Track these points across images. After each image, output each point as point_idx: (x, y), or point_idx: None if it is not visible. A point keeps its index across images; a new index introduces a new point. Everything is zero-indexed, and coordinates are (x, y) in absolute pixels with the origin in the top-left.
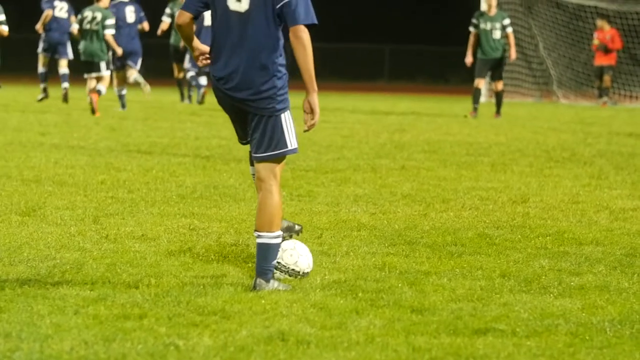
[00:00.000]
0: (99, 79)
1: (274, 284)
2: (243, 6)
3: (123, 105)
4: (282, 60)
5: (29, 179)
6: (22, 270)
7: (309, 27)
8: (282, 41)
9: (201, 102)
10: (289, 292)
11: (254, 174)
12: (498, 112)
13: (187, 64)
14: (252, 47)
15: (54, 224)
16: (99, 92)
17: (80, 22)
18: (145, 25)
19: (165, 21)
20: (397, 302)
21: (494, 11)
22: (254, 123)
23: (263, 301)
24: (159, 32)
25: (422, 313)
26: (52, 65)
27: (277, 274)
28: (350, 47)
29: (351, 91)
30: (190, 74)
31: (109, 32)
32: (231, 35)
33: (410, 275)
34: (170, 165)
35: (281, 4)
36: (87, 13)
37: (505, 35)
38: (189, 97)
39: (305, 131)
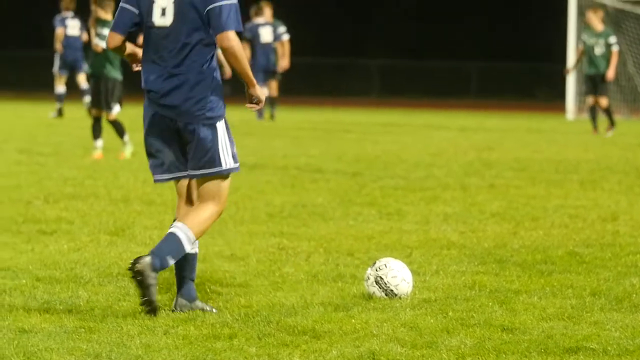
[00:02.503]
0: None
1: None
2: (167, 20)
3: None
4: (213, 66)
5: (117, 198)
6: (112, 290)
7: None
8: (213, 49)
9: (270, 117)
10: (378, 311)
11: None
12: (610, 126)
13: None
14: (182, 58)
15: (143, 244)
16: None
17: None
18: (85, 37)
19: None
20: (488, 321)
21: (600, 27)
22: (187, 135)
23: (353, 320)
24: None
25: (512, 332)
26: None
27: (374, 287)
28: (438, 64)
29: (439, 108)
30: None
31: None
32: (159, 48)
33: (501, 293)
34: (259, 184)
35: (207, 9)
36: None
37: (609, 53)
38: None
39: (253, 109)
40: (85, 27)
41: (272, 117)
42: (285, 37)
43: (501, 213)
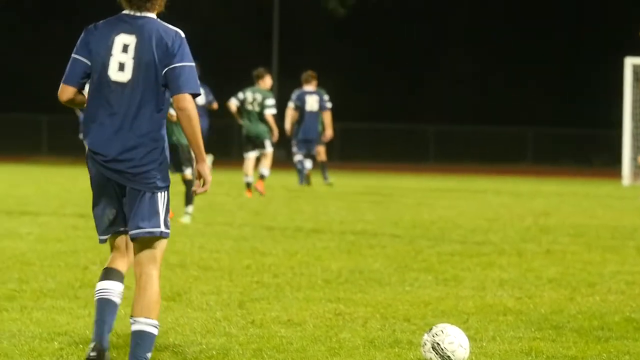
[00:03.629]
0: (262, 157)
1: None
2: (126, 75)
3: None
4: (163, 133)
5: (174, 263)
6: (169, 356)
7: (194, 95)
8: (165, 114)
9: (308, 183)
10: None
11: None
12: None
13: (294, 147)
14: (135, 119)
15: (200, 309)
16: (262, 177)
17: (242, 103)
18: (215, 105)
19: (290, 106)
20: None
21: None
22: (130, 199)
23: None
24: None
25: None
26: None
27: (431, 354)
28: (494, 130)
29: (495, 174)
30: (297, 158)
31: (269, 112)
32: (111, 105)
33: None
34: (315, 250)
35: (165, 70)
36: (248, 94)
37: None
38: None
39: (196, 194)
40: (210, 91)
41: (325, 180)
42: (329, 106)
43: (557, 279)
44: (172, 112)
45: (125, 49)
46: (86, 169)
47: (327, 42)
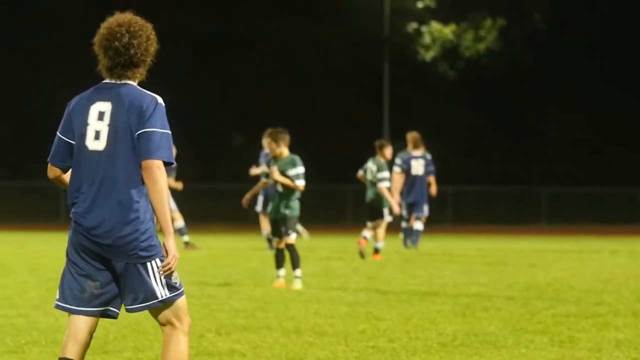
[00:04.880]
0: (376, 227)
1: None
2: (101, 144)
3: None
4: (145, 199)
5: (289, 329)
6: None
7: (165, 162)
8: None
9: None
10: None
11: None
12: None
13: (403, 211)
14: (113, 188)
15: None
16: (376, 251)
17: (365, 172)
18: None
19: (396, 171)
20: None
21: None
22: (119, 272)
23: None
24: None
25: None
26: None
27: None
28: (607, 191)
29: (609, 234)
30: (404, 225)
31: (382, 185)
32: (91, 175)
33: None
34: (430, 313)
35: (137, 133)
36: (369, 164)
37: None
38: (405, 242)
39: (162, 273)
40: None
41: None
42: (433, 170)
43: None
44: (264, 179)
45: (100, 116)
46: (200, 235)
47: (437, 105)
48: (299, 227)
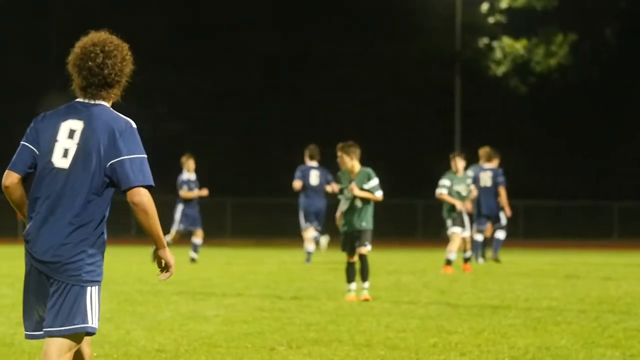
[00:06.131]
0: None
1: None
2: (67, 161)
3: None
4: (101, 226)
5: (360, 343)
6: None
7: (148, 187)
8: (104, 205)
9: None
10: None
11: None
12: None
13: (474, 223)
14: (68, 207)
15: None
16: (449, 262)
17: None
18: (329, 188)
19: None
20: None
21: None
22: (53, 290)
23: None
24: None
25: None
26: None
27: None
28: None
29: None
30: (479, 238)
31: (437, 191)
32: (48, 191)
33: None
34: (501, 327)
35: (112, 162)
36: (444, 180)
37: None
38: (483, 256)
39: (162, 279)
40: (327, 174)
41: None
42: (503, 182)
43: None
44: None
45: (71, 134)
46: (271, 249)
47: (508, 120)
48: (322, 239)
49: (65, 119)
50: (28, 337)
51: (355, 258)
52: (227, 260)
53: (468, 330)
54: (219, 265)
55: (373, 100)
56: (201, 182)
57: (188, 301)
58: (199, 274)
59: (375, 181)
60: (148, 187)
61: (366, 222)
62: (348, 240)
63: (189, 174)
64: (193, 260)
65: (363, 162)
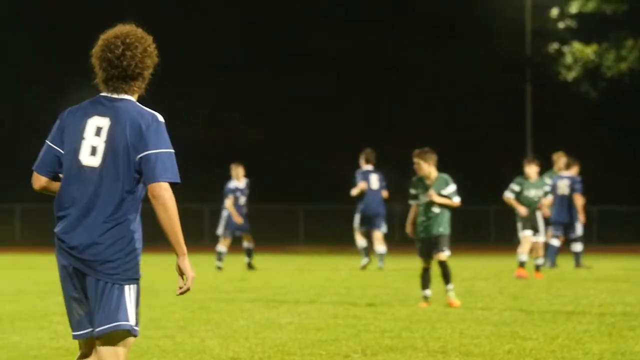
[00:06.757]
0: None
1: None
2: (97, 160)
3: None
4: (136, 224)
5: (435, 350)
6: None
7: (172, 185)
8: (137, 202)
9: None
10: None
11: None
12: None
13: (551, 229)
14: (103, 206)
15: None
16: (521, 264)
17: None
18: (384, 194)
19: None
20: None
21: None
22: (94, 290)
23: None
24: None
25: None
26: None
27: None
28: None
29: None
30: (556, 243)
31: (504, 194)
32: (81, 191)
33: None
34: (576, 333)
35: (140, 156)
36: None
37: None
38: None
39: (178, 294)
40: (384, 180)
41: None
42: (579, 189)
43: None
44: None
45: (98, 132)
46: (343, 256)
47: (579, 125)
48: (364, 260)
49: (91, 116)
50: (75, 337)
51: (431, 264)
52: (300, 267)
53: (542, 336)
54: (292, 272)
55: (443, 105)
56: (273, 189)
57: (262, 309)
58: (272, 282)
59: (453, 187)
60: (173, 184)
61: (443, 227)
62: (425, 247)
63: (237, 182)
64: (219, 269)
65: (443, 169)
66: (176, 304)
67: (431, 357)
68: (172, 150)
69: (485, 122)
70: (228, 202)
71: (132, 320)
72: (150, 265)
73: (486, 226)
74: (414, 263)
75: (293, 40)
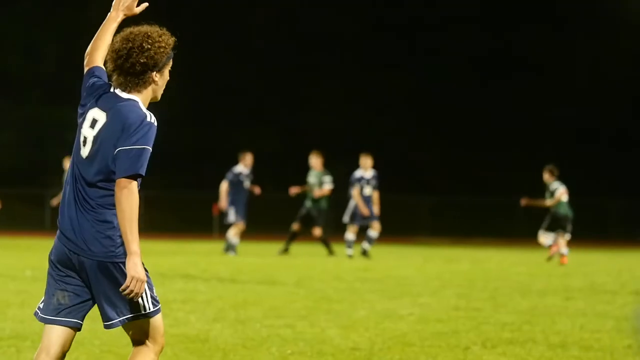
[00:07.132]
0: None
1: None
2: (87, 150)
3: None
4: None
5: (554, 343)
6: None
7: (134, 177)
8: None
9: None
10: None
11: None
12: None
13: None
14: (88, 194)
15: None
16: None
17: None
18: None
19: None
20: None
21: None
22: (93, 275)
23: None
24: None
25: None
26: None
27: None
28: None
29: None
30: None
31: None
32: (72, 179)
33: None
34: None
35: (117, 150)
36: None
37: None
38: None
39: (124, 295)
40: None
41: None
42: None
43: None
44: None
45: (93, 124)
46: (466, 249)
47: None
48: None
49: (94, 107)
50: (41, 319)
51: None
52: (423, 259)
53: None
54: (415, 264)
55: (574, 100)
56: (397, 181)
57: (383, 299)
58: (394, 272)
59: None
60: (136, 177)
61: None
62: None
63: (364, 171)
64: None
65: (562, 162)
66: (297, 293)
67: (551, 351)
68: (146, 147)
69: (616, 117)
70: (355, 192)
71: (146, 308)
72: (270, 255)
73: (606, 221)
74: (536, 257)
75: (422, 33)
